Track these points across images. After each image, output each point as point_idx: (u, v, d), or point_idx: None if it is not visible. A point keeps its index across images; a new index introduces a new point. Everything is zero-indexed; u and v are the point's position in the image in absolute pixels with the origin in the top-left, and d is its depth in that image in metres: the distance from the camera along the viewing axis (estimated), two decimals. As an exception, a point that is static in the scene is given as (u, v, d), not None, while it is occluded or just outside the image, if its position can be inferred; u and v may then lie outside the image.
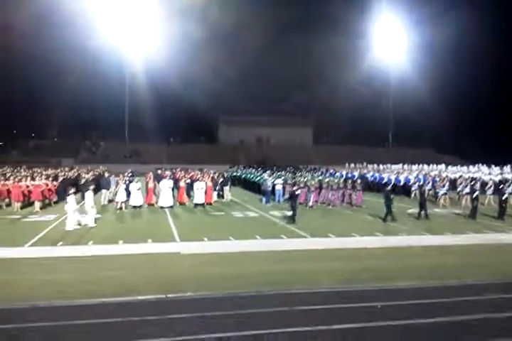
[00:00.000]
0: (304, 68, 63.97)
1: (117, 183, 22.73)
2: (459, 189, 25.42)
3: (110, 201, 23.63)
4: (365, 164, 41.24)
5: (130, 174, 26.90)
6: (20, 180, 21.89)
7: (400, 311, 8.32)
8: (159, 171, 29.58)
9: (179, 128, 67.39)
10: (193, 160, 51.54)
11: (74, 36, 51.28)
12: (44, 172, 27.45)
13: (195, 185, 22.83)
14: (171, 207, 22.01)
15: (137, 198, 21.76)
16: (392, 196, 18.77)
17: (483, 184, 25.95)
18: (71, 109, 57.95)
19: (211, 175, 25.86)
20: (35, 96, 57.53)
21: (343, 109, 61.63)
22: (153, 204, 22.66)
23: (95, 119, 61.33)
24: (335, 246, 13.78)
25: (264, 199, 24.71)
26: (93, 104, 57.35)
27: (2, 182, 21.77)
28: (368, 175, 33.25)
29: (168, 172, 27.76)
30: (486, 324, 7.80)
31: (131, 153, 61.20)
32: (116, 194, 22.15)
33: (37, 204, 20.92)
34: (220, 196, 25.93)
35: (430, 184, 27.11)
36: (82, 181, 25.70)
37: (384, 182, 30.48)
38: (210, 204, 23.32)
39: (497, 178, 29.47)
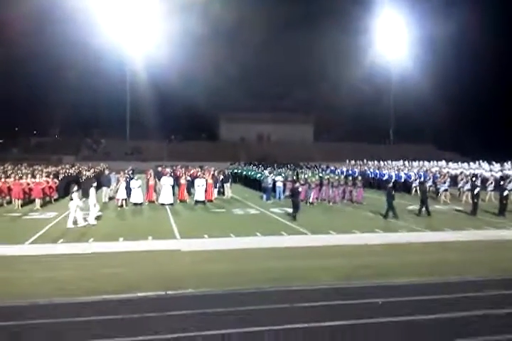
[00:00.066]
0: (305, 65, 63.86)
1: (118, 180, 22.73)
2: (459, 185, 25.40)
3: (111, 198, 23.64)
4: (365, 161, 41.19)
5: (131, 171, 26.89)
6: (21, 178, 21.92)
7: (401, 307, 8.33)
8: (160, 168, 29.57)
9: (180, 126, 67.34)
10: (193, 157, 51.51)
11: (75, 33, 51.23)
12: (45, 170, 27.46)
13: (196, 182, 22.83)
14: (172, 204, 22.02)
15: (138, 195, 21.77)
16: (393, 193, 18.75)
17: (484, 180, 25.92)
18: (72, 106, 57.91)
19: (212, 172, 25.85)
20: (36, 93, 57.48)
21: (344, 106, 61.51)
22: (153, 202, 22.67)
23: (96, 117, 61.32)
24: (335, 243, 13.79)
25: (264, 197, 24.70)
26: (94, 101, 57.31)
27: (3, 179, 21.78)
28: (369, 172, 33.21)
29: (168, 170, 27.75)
30: (486, 320, 7.80)
31: (132, 151, 61.21)
32: (116, 191, 22.15)
33: (37, 202, 20.93)
34: (221, 193, 25.93)
35: (431, 180, 27.09)
36: (83, 178, 25.76)
37: (385, 179, 30.49)
38: (211, 201, 23.32)
39: (498, 174, 29.45)
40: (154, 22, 55.35)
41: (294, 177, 25.36)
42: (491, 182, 24.91)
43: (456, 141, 59.17)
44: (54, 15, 50.51)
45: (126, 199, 21.58)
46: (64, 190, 24.37)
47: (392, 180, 27.17)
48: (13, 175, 22.96)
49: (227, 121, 71.71)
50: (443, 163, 37.22)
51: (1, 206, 21.22)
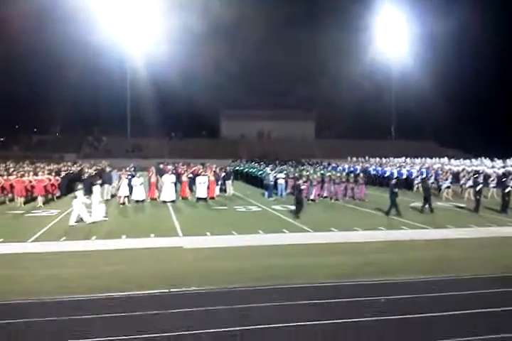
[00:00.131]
0: (306, 62, 63.67)
1: (120, 178, 22.72)
2: (461, 182, 25.39)
3: (113, 196, 23.64)
4: (367, 158, 41.17)
5: (132, 169, 26.88)
6: (23, 175, 21.91)
7: (404, 305, 8.32)
8: (161, 165, 29.57)
9: (181, 123, 67.31)
10: (194, 154, 51.49)
11: (75, 31, 51.12)
12: (47, 168, 27.47)
13: (198, 179, 22.82)
14: (174, 201, 22.02)
15: (140, 193, 21.78)
16: (396, 190, 18.75)
17: (486, 177, 25.91)
18: (73, 104, 57.93)
19: (213, 170, 25.84)
20: (37, 91, 57.45)
21: (346, 103, 61.40)
22: (155, 199, 22.67)
23: (97, 114, 61.35)
24: (337, 240, 13.78)
25: (266, 194, 24.70)
26: (95, 98, 57.31)
27: (5, 177, 21.79)
28: (371, 169, 33.19)
29: (170, 167, 27.74)
30: (490, 318, 7.79)
31: (133, 148, 61.22)
32: (118, 188, 22.15)
33: (40, 199, 20.95)
34: (223, 190, 25.93)
35: (433, 177, 27.07)
36: (85, 176, 25.74)
37: (387, 175, 30.48)
38: (213, 198, 23.32)
39: (500, 171, 29.42)
40: (154, 19, 55.21)
41: (297, 175, 25.33)
42: (493, 179, 24.93)
43: (458, 138, 59.10)
44: (54, 13, 50.45)
45: (128, 197, 21.59)
46: (66, 188, 24.39)
47: (396, 178, 27.11)
48: (15, 173, 22.96)
49: (227, 118, 71.64)
50: (445, 159, 37.22)
51: (3, 203, 21.25)
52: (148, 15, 55.84)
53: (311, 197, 22.74)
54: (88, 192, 17.61)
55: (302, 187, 18.90)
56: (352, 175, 25.83)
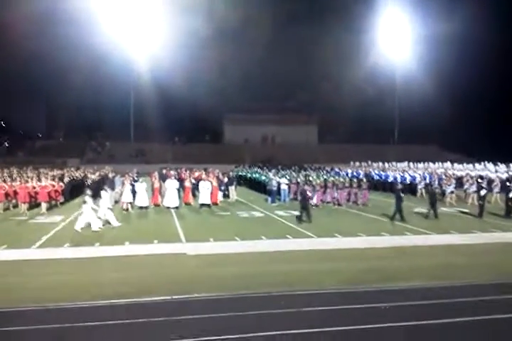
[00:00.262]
0: (309, 66, 63.84)
1: (123, 183, 22.73)
2: (465, 187, 25.32)
3: (116, 202, 23.66)
4: (370, 162, 41.15)
5: (135, 174, 26.91)
6: (26, 181, 21.97)
7: (406, 312, 8.30)
8: (164, 171, 29.61)
9: (184, 128, 67.48)
10: (198, 159, 51.53)
11: (79, 35, 51.49)
12: (50, 173, 27.53)
13: (201, 184, 22.81)
14: (177, 207, 22.03)
15: (143, 199, 21.78)
16: (402, 195, 18.72)
17: (490, 182, 25.82)
18: (77, 109, 58.19)
19: (216, 175, 25.85)
20: (41, 96, 57.77)
21: (348, 107, 61.47)
22: (159, 205, 22.66)
23: (100, 119, 61.63)
24: (341, 246, 13.76)
25: (269, 199, 24.69)
26: (98, 103, 57.59)
27: (9, 183, 21.87)
28: (374, 174, 33.15)
29: (173, 172, 27.77)
30: (494, 325, 7.76)
31: (137, 153, 61.36)
32: (121, 194, 22.16)
33: (43, 206, 20.98)
34: (226, 196, 25.92)
35: (436, 182, 27.01)
36: (89, 181, 25.82)
37: (390, 180, 30.44)
38: (216, 204, 23.32)
39: (504, 176, 29.33)
40: (158, 24, 55.47)
41: (299, 180, 25.33)
42: (497, 184, 24.82)
43: (461, 142, 58.91)
44: (58, 17, 50.75)
45: (131, 203, 21.59)
46: (69, 194, 24.46)
47: (401, 183, 27.07)
48: (18, 179, 23.03)
49: (231, 122, 71.75)
50: (448, 164, 37.13)
51: (7, 210, 21.29)
52: (153, 19, 56.11)
53: (314, 202, 22.69)
54: (96, 197, 17.64)
55: (309, 193, 18.81)
56: (355, 180, 25.78)
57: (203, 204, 22.33)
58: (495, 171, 31.79)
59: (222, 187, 25.40)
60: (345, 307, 8.50)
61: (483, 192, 19.78)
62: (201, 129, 71.09)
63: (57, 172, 29.54)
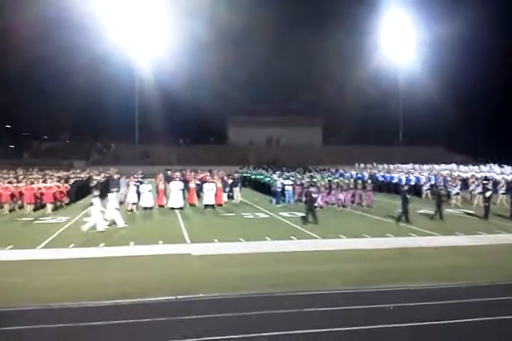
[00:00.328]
0: (312, 67, 63.86)
1: (128, 185, 22.80)
2: (471, 188, 25.23)
3: (121, 202, 23.69)
4: (375, 164, 41.05)
5: (140, 175, 26.98)
6: (32, 183, 22.09)
7: (412, 313, 8.26)
8: (169, 172, 29.68)
9: (188, 130, 67.53)
10: (202, 161, 51.59)
11: (83, 39, 51.72)
12: (56, 175, 27.66)
13: (205, 186, 22.86)
14: (181, 208, 22.07)
15: (148, 199, 21.85)
16: (409, 196, 18.67)
17: (495, 183, 25.71)
18: (82, 111, 58.41)
19: (221, 176, 25.89)
20: (46, 98, 58.00)
21: (352, 108, 61.38)
22: (163, 206, 22.71)
23: (105, 121, 61.68)
24: (346, 248, 13.73)
25: (274, 200, 24.69)
26: (103, 106, 57.70)
27: (15, 184, 21.98)
28: (378, 175, 33.08)
29: (178, 174, 27.83)
30: (499, 326, 7.72)
31: (141, 155, 61.52)
32: (126, 195, 22.23)
33: (49, 207, 21.10)
34: (230, 197, 25.94)
35: (442, 183, 26.91)
36: (94, 183, 25.90)
37: (395, 182, 30.38)
38: (221, 205, 23.34)
39: (509, 177, 29.20)
40: (162, 27, 55.70)
41: (304, 181, 25.32)
42: (503, 186, 24.72)
43: (466, 144, 58.70)
44: (63, 21, 51.10)
45: (136, 204, 21.66)
46: (75, 195, 24.56)
47: (408, 184, 26.99)
48: (24, 180, 23.15)
49: (234, 124, 71.80)
50: (453, 166, 37.01)
51: (13, 211, 21.40)
52: (156, 23, 56.35)
53: (319, 203, 22.66)
54: (102, 198, 17.70)
55: (314, 195, 18.79)
56: (360, 181, 25.75)
57: (207, 205, 22.38)
58: (500, 173, 31.64)
59: (227, 189, 25.43)
60: (349, 308, 8.48)
61: (488, 194, 19.71)
62: (205, 132, 71.13)
63: (62, 173, 29.66)
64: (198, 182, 24.93)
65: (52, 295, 9.15)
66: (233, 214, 20.90)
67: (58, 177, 25.78)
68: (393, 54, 65.40)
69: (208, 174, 27.95)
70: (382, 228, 17.07)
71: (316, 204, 18.93)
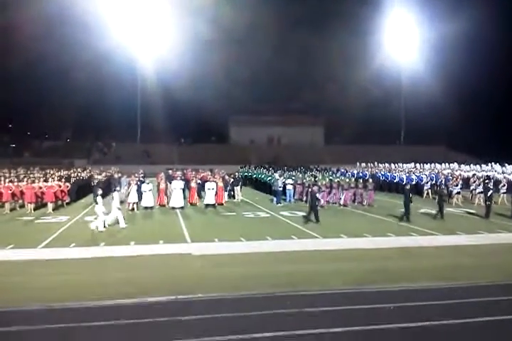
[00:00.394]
0: (315, 66, 63.78)
1: (129, 184, 22.80)
2: (472, 188, 25.18)
3: (122, 202, 23.68)
4: (376, 163, 40.99)
5: (142, 175, 26.99)
6: (33, 182, 22.10)
7: (413, 313, 8.25)
8: (170, 171, 29.69)
9: (190, 129, 67.53)
10: (203, 160, 51.57)
11: (86, 37, 51.74)
12: (57, 174, 27.68)
13: (206, 185, 22.85)
14: (182, 207, 22.06)
15: (149, 199, 21.83)
16: (411, 195, 18.65)
17: (496, 182, 25.66)
18: (84, 110, 58.44)
19: (222, 175, 25.88)
20: (47, 97, 58.04)
21: (354, 108, 61.30)
22: (164, 205, 22.70)
23: (107, 120, 61.69)
24: (346, 247, 13.72)
25: (275, 200, 24.67)
26: (105, 105, 57.69)
27: (16, 183, 21.99)
28: (380, 175, 33.03)
29: (179, 173, 27.83)
30: (500, 326, 7.70)
31: (143, 154, 61.54)
32: (128, 195, 22.22)
33: (50, 206, 21.10)
34: (231, 196, 25.94)
35: (443, 183, 26.86)
36: (95, 182, 25.94)
37: (396, 181, 30.33)
38: (222, 204, 23.33)
39: (510, 177, 29.13)
40: (165, 26, 55.72)
41: (304, 181, 25.30)
42: (504, 185, 24.67)
43: (468, 143, 58.60)
44: (65, 20, 51.10)
45: (137, 203, 21.65)
46: (76, 194, 24.56)
47: (406, 182, 26.95)
48: (25, 179, 23.16)
49: (236, 124, 71.77)
50: (455, 165, 36.91)
51: (13, 210, 21.41)
52: (159, 22, 56.36)
53: (321, 202, 22.63)
54: (104, 197, 17.72)
55: (318, 195, 18.75)
56: (361, 180, 25.71)
57: (208, 205, 22.36)
58: (502, 172, 31.56)
59: (228, 188, 25.42)
60: (350, 308, 8.47)
61: (489, 193, 19.66)
62: (207, 131, 71.11)
63: (63, 172, 29.68)
64: (199, 181, 24.92)
65: (52, 295, 9.15)
66: (234, 214, 20.89)
67: (59, 176, 25.80)
68: (396, 53, 65.28)
69: (209, 173, 27.94)
70: (383, 227, 17.05)
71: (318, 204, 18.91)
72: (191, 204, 23.45)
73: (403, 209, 18.63)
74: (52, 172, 29.66)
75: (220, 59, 57.19)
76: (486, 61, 54.87)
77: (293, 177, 26.39)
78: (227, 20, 53.30)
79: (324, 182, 24.09)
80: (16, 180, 23.18)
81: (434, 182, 28.06)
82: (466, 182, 26.90)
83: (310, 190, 19.84)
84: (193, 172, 28.88)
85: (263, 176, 31.53)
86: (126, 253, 12.81)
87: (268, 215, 20.46)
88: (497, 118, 57.42)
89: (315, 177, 26.44)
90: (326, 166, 41.92)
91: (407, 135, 71.18)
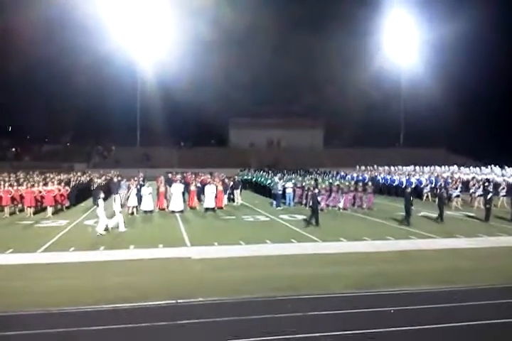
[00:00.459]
0: (314, 69, 63.84)
1: (129, 188, 22.80)
2: (471, 191, 25.18)
3: (121, 206, 23.67)
4: (376, 166, 41.02)
5: (141, 178, 27.00)
6: (33, 186, 22.10)
7: (413, 316, 8.25)
8: (170, 175, 29.69)
9: (190, 132, 67.56)
10: (203, 163, 51.58)
11: (85, 40, 51.80)
12: (57, 178, 27.68)
13: (206, 188, 22.82)
14: (182, 211, 22.05)
15: (148, 203, 21.82)
16: (412, 198, 18.66)
17: (496, 185, 25.65)
18: (83, 113, 58.49)
19: (221, 179, 25.86)
20: (47, 101, 58.13)
21: (353, 110, 61.34)
22: (164, 209, 22.68)
23: (107, 124, 61.75)
24: (346, 250, 13.72)
25: (274, 203, 24.66)
26: (105, 108, 57.75)
27: (15, 187, 21.99)
28: (379, 178, 33.03)
29: (178, 176, 27.82)
30: (500, 329, 7.71)
31: (143, 157, 61.54)
32: (127, 198, 22.22)
33: (49, 210, 21.08)
34: (231, 200, 25.93)
35: (442, 185, 26.85)
36: (94, 186, 25.95)
37: (396, 184, 30.33)
38: (221, 208, 23.32)
39: (510, 180, 29.13)
40: (165, 29, 55.77)
41: (304, 184, 25.30)
42: (503, 188, 24.66)
43: (468, 146, 58.60)
44: (65, 22, 51.22)
45: (136, 207, 21.64)
46: (75, 198, 24.56)
47: (406, 185, 26.94)
48: (25, 183, 23.16)
49: (236, 126, 71.77)
50: (454, 168, 36.92)
51: (13, 214, 21.40)
52: (159, 24, 56.42)
53: (321, 206, 22.63)
54: (105, 200, 17.75)
55: (319, 198, 18.74)
56: (360, 183, 25.71)
57: (207, 208, 22.34)
58: (501, 175, 31.57)
59: (228, 191, 25.41)
60: (350, 312, 8.48)
61: (489, 196, 19.67)
62: (207, 134, 71.17)
63: (63, 176, 29.69)
64: (199, 184, 24.92)
65: (52, 299, 9.14)
66: (234, 217, 20.88)
67: (59, 180, 25.80)
68: (396, 55, 65.28)
69: (209, 176, 27.93)
70: (383, 231, 17.05)
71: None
72: (191, 207, 23.44)
73: (404, 213, 18.63)
74: (51, 176, 29.64)
75: (219, 62, 57.29)
76: (486, 63, 54.91)
77: (292, 181, 26.38)
78: (227, 22, 53.42)
79: (324, 186, 24.08)
80: (15, 184, 23.15)
81: (433, 185, 28.06)
82: (465, 185, 26.88)
83: (311, 193, 19.83)
84: (193, 176, 28.88)
85: (263, 179, 31.52)
86: (126, 257, 12.81)
87: (268, 219, 20.46)
88: (497, 121, 57.44)
89: (316, 180, 26.43)
90: (326, 169, 41.95)
91: (407, 137, 71.17)
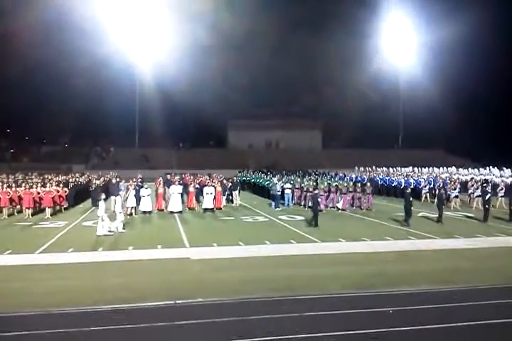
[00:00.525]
0: (313, 71, 63.92)
1: (127, 189, 22.77)
2: (470, 191, 25.22)
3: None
4: (374, 167, 41.06)
5: (140, 179, 26.97)
6: (31, 187, 22.07)
7: (412, 316, 8.25)
8: (168, 176, 29.66)
9: (188, 133, 67.57)
10: (202, 165, 51.59)
11: (84, 42, 51.82)
12: (55, 179, 27.65)
13: (205, 189, 22.84)
14: (180, 212, 22.04)
15: (147, 204, 21.83)
16: (411, 199, 18.67)
17: (495, 186, 25.69)
18: (81, 115, 58.47)
19: (220, 180, 25.86)
20: (46, 103, 58.13)
21: (352, 112, 61.43)
22: (163, 210, 22.68)
23: (105, 125, 61.73)
24: (345, 251, 13.72)
25: (273, 204, 24.66)
26: (103, 110, 57.75)
27: (13, 188, 21.96)
28: (378, 179, 33.05)
29: (177, 177, 27.81)
30: (499, 329, 7.70)
31: (141, 159, 61.49)
32: (126, 199, 22.18)
33: (48, 211, 21.06)
34: (230, 201, 25.93)
35: (441, 186, 26.88)
36: (93, 187, 25.92)
37: (394, 185, 30.36)
38: (220, 209, 23.32)
39: (508, 180, 29.20)
40: (163, 31, 55.82)
41: (302, 185, 25.31)
42: (502, 188, 24.71)
43: (467, 147, 58.67)
44: (63, 24, 51.24)
45: (135, 208, 21.63)
46: (74, 199, 24.53)
47: (406, 186, 26.94)
48: (23, 184, 23.13)
49: (234, 128, 71.82)
50: (453, 168, 36.96)
51: (11, 215, 21.35)
52: (157, 27, 56.46)
53: (321, 207, 22.64)
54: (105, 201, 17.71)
55: (319, 199, 18.75)
56: (359, 184, 25.73)
57: (206, 209, 22.35)
58: (500, 176, 31.62)
59: (226, 192, 25.41)
60: (349, 312, 8.47)
61: (488, 197, 19.69)
62: (205, 135, 71.20)
63: (62, 177, 29.64)
64: (198, 185, 24.92)
65: (50, 300, 9.12)
66: (232, 218, 20.88)
67: (57, 181, 25.76)
68: (394, 57, 65.37)
69: (208, 178, 27.94)
70: (382, 231, 17.06)
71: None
72: (189, 208, 23.44)
73: (403, 213, 18.63)
74: (50, 177, 29.63)
75: (218, 63, 57.34)
76: (484, 65, 55.04)
77: (291, 182, 26.40)
78: (226, 25, 53.49)
79: (323, 187, 24.09)
80: (14, 185, 23.14)
81: (432, 186, 28.09)
82: (464, 186, 26.91)
83: (310, 194, 19.84)
84: (192, 177, 28.88)
85: (261, 180, 31.54)
86: (125, 258, 12.79)
87: (266, 219, 20.46)
88: (495, 122, 57.55)
89: (315, 181, 26.44)
90: (325, 170, 41.98)
91: (405, 139, 71.25)
